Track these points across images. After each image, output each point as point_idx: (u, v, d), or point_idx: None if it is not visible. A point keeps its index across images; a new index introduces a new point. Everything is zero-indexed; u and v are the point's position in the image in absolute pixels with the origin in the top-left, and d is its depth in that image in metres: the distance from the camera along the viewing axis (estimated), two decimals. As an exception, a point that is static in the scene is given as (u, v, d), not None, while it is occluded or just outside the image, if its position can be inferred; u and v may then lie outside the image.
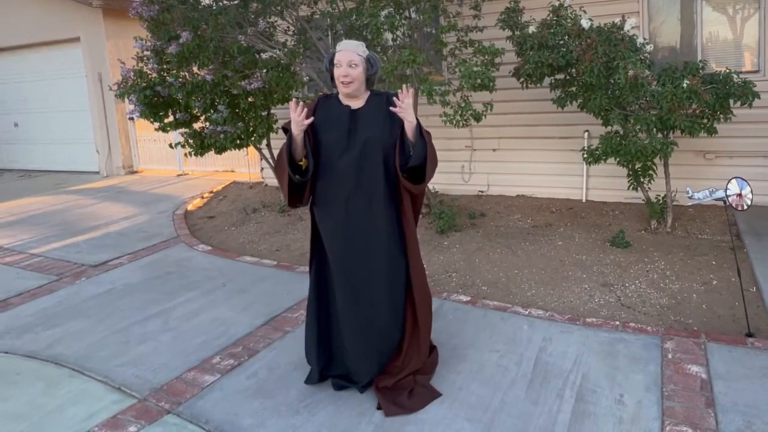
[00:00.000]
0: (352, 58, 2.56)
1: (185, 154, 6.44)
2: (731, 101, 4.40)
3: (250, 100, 6.02)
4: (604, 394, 2.68)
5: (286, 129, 2.60)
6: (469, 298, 3.87)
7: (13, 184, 9.79)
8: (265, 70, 5.87)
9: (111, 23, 9.42)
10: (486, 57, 4.86)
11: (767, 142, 5.23)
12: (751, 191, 3.39)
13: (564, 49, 4.63)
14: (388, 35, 5.33)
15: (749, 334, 3.20)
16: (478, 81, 4.52)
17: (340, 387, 2.80)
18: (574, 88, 4.86)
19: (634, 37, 4.50)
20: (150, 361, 3.20)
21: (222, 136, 5.95)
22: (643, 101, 4.53)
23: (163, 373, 3.05)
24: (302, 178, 2.61)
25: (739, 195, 3.39)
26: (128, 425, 2.60)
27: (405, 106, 2.46)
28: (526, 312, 3.59)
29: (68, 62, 10.09)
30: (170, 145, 6.86)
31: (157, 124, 6.33)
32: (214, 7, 5.55)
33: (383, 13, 5.01)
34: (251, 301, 3.99)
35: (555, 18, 4.81)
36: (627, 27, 4.50)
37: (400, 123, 2.54)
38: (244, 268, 4.70)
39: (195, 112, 6.11)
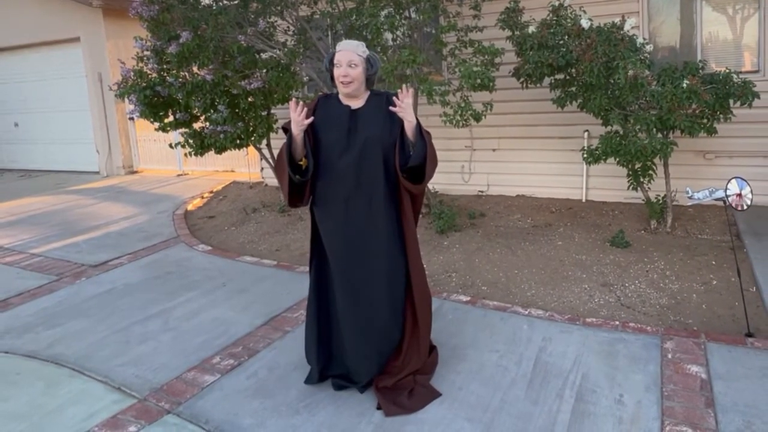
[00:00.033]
0: (352, 58, 2.56)
1: (185, 154, 6.44)
2: (731, 101, 4.40)
3: (250, 100, 6.03)
4: (604, 394, 2.68)
5: (286, 129, 2.60)
6: (468, 298, 3.87)
7: (13, 183, 9.79)
8: (265, 70, 5.87)
9: (111, 23, 9.42)
10: (486, 57, 4.86)
11: (767, 142, 5.23)
12: (751, 191, 3.39)
13: (564, 49, 4.63)
14: (388, 35, 5.33)
15: (749, 334, 3.20)
16: (478, 81, 4.52)
17: (340, 387, 2.81)
18: (573, 88, 4.86)
19: (634, 37, 4.50)
20: (150, 361, 3.20)
21: (222, 136, 5.96)
22: (643, 101, 4.53)
23: (163, 373, 3.05)
24: (302, 178, 2.61)
25: (739, 195, 3.39)
26: (128, 425, 2.60)
27: (405, 106, 2.46)
28: (526, 312, 3.59)
29: (68, 62, 10.10)
30: (170, 145, 6.87)
31: (157, 124, 6.33)
32: (214, 7, 5.55)
33: (383, 13, 5.01)
34: (251, 301, 3.99)
35: (555, 18, 4.81)
36: (627, 27, 4.50)
37: (399, 123, 2.55)
38: (244, 268, 4.70)
39: (195, 112, 6.12)
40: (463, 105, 4.76)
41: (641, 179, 4.77)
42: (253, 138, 6.28)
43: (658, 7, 5.52)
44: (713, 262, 4.27)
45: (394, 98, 2.50)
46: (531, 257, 4.63)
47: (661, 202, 5.00)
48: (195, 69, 5.89)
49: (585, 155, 4.79)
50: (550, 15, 4.85)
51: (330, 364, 2.85)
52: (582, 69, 4.53)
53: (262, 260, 4.90)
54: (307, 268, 2.90)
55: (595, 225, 5.29)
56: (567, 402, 2.63)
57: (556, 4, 4.83)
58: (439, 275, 4.39)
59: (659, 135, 4.49)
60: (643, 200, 5.05)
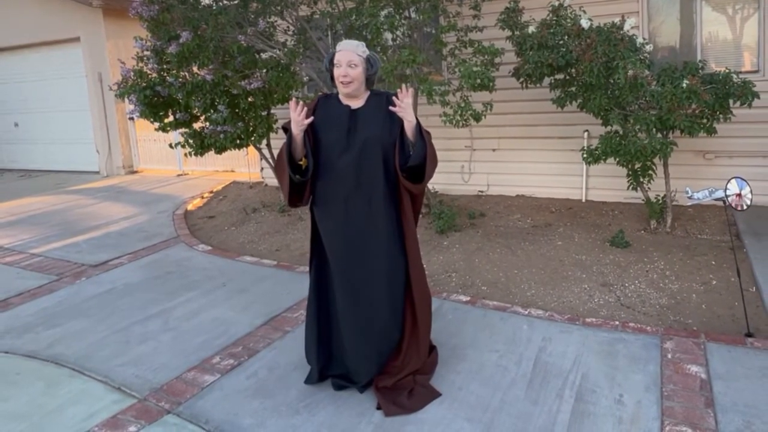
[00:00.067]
0: (352, 58, 2.56)
1: (185, 154, 6.44)
2: (731, 101, 4.40)
3: (250, 100, 6.03)
4: (604, 394, 2.68)
5: (286, 128, 2.61)
6: (468, 298, 3.87)
7: (13, 183, 9.79)
8: (265, 70, 5.87)
9: (111, 23, 9.42)
10: (486, 57, 4.87)
11: (767, 142, 5.23)
12: (751, 191, 3.39)
13: (564, 49, 4.63)
14: (388, 35, 5.33)
15: (749, 334, 3.20)
16: (478, 81, 4.52)
17: (339, 387, 2.81)
18: (573, 88, 4.86)
19: (634, 37, 4.50)
20: (150, 360, 3.20)
21: (222, 136, 5.96)
22: (643, 101, 4.53)
23: (163, 373, 3.05)
24: (302, 178, 2.61)
25: (739, 195, 3.39)
26: (128, 425, 2.60)
27: (404, 106, 2.46)
28: (526, 312, 3.59)
29: (68, 62, 10.10)
30: (170, 145, 6.87)
31: (157, 124, 6.33)
32: (214, 7, 5.55)
33: (383, 13, 5.02)
34: (251, 300, 3.99)
35: (555, 18, 4.81)
36: (626, 27, 4.50)
37: (399, 122, 2.55)
38: (244, 268, 4.71)
39: (195, 112, 6.12)
40: (463, 105, 4.76)
41: (641, 179, 4.78)
42: (253, 138, 6.28)
43: (658, 7, 5.53)
44: (713, 262, 4.27)
45: (394, 98, 2.50)
46: (531, 257, 4.64)
47: (660, 202, 5.00)
48: (195, 69, 5.90)
49: (585, 155, 4.79)
50: (550, 15, 4.85)
51: (330, 364, 2.85)
52: (582, 69, 4.53)
53: (262, 260, 4.90)
54: (307, 268, 2.90)
55: (595, 225, 5.29)
56: (567, 402, 2.63)
57: (556, 4, 4.83)
58: (439, 275, 4.39)
59: (659, 135, 4.49)
60: (643, 200, 5.05)
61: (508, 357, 3.05)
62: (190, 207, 7.09)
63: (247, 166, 8.64)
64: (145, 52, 5.97)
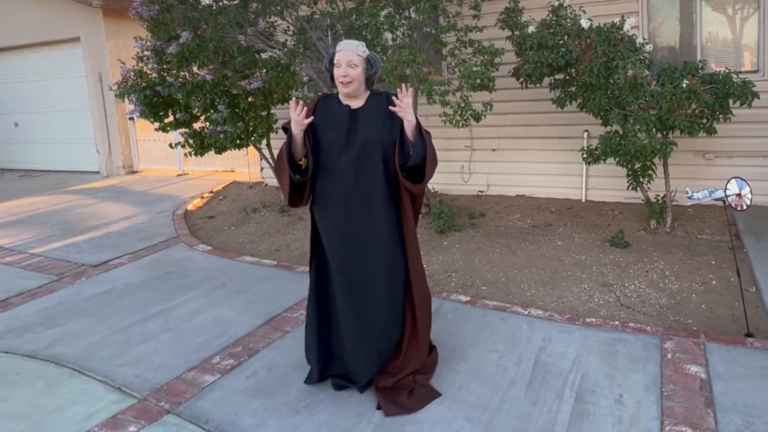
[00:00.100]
0: (352, 58, 2.56)
1: (185, 154, 6.45)
2: (731, 101, 4.40)
3: (250, 100, 6.03)
4: (604, 394, 2.68)
5: (286, 128, 2.61)
6: (468, 298, 3.87)
7: (13, 184, 9.79)
8: (265, 70, 5.87)
9: (111, 23, 9.42)
10: (485, 57, 4.87)
11: (767, 142, 5.23)
12: (751, 191, 3.39)
13: (563, 49, 4.63)
14: (388, 35, 5.33)
15: (748, 334, 3.20)
16: (478, 81, 4.52)
17: (339, 387, 2.81)
18: (573, 88, 4.86)
19: (634, 37, 4.50)
20: (150, 360, 3.20)
21: (222, 136, 5.96)
22: (643, 101, 4.53)
23: (163, 373, 3.05)
24: (302, 178, 2.61)
25: (739, 195, 3.39)
26: (128, 425, 2.61)
27: (404, 106, 2.47)
28: (526, 312, 3.59)
29: (68, 62, 10.10)
30: (170, 145, 6.87)
31: (157, 124, 6.33)
32: (214, 7, 5.55)
33: (383, 13, 5.02)
34: (251, 300, 3.99)
35: (554, 18, 4.81)
36: (626, 27, 4.50)
37: (399, 122, 2.55)
38: (244, 268, 4.71)
39: (195, 112, 6.12)
40: (462, 105, 4.76)
41: (641, 179, 4.78)
42: (253, 138, 6.28)
43: (658, 7, 5.53)
44: (713, 262, 4.27)
45: (394, 98, 2.50)
46: (531, 257, 4.64)
47: (660, 202, 5.01)
48: (195, 69, 5.90)
49: (584, 155, 4.79)
50: (550, 15, 4.85)
51: (330, 364, 2.85)
52: (582, 69, 4.53)
53: (262, 260, 4.90)
54: (307, 268, 2.91)
55: (595, 225, 5.30)
56: (567, 402, 2.63)
57: (556, 4, 4.83)
58: (438, 275, 4.39)
59: (659, 135, 4.49)
60: (643, 200, 5.05)
61: (508, 357, 3.05)
62: (190, 207, 7.09)
63: (247, 166, 8.64)
64: (145, 52, 5.98)
